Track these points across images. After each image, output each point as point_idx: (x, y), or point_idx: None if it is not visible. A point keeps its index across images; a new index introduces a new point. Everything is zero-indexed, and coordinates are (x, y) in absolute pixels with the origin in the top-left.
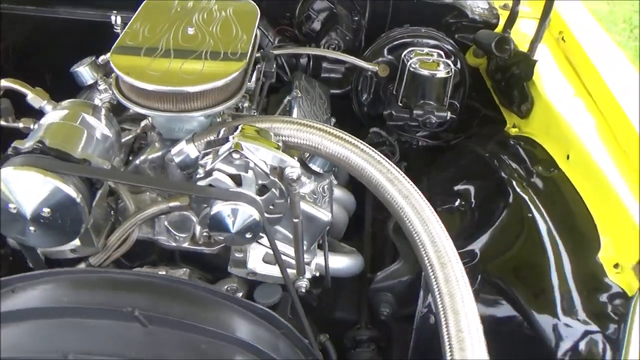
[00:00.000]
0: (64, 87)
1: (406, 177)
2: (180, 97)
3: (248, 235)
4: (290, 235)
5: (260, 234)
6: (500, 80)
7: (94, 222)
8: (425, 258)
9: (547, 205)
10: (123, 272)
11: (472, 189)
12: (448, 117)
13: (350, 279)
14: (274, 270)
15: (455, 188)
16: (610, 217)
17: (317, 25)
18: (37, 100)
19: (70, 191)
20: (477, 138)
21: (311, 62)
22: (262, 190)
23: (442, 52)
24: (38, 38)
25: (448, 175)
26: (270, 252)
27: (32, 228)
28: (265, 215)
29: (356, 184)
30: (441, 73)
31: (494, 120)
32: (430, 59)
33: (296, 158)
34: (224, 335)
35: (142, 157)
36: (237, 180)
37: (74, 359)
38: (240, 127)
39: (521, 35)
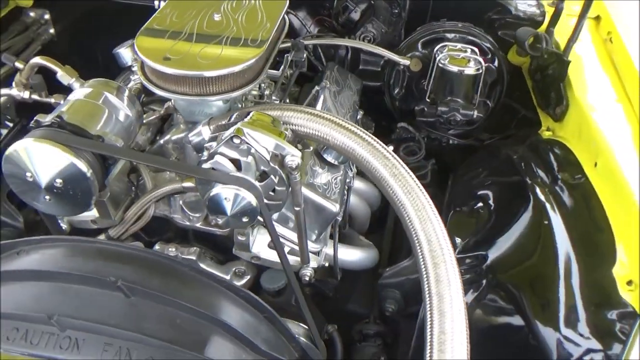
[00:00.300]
0: (115, 67)
1: (411, 173)
2: (196, 81)
3: (245, 219)
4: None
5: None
6: (539, 80)
7: (113, 196)
8: (420, 256)
9: (566, 214)
10: (118, 245)
11: (494, 191)
12: (475, 116)
13: (367, 272)
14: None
15: (478, 190)
16: (630, 231)
17: (354, 16)
18: (66, 78)
19: (82, 165)
20: (512, 140)
21: (349, 54)
22: (263, 176)
23: (476, 49)
24: (91, 21)
25: (473, 175)
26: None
27: (47, 197)
28: (265, 201)
29: None
30: (470, 70)
31: (532, 122)
32: (460, 55)
33: (312, 148)
34: (202, 314)
35: (166, 138)
36: (239, 165)
37: (57, 320)
38: (251, 114)
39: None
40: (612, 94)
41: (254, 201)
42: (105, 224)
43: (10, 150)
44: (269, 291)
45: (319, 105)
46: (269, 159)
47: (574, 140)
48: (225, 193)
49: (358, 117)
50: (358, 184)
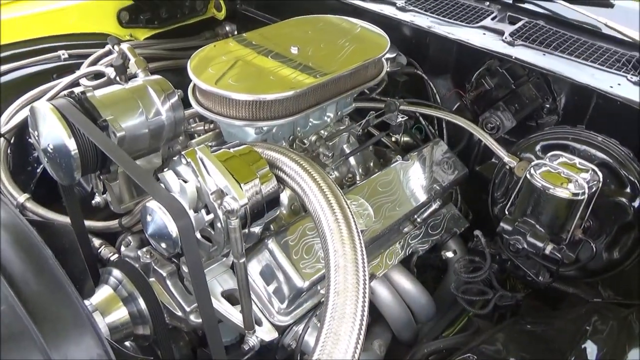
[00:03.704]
0: None
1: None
2: (221, 100)
3: (163, 245)
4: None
5: None
6: None
7: (123, 184)
8: None
9: None
10: None
11: None
12: (547, 251)
13: None
14: (227, 310)
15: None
16: None
17: (486, 96)
18: (134, 67)
19: (67, 141)
20: (629, 312)
21: None
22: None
23: (599, 173)
24: None
25: (518, 333)
26: (235, 289)
27: (44, 157)
28: (198, 237)
29: None
30: (561, 192)
31: None
32: (561, 171)
33: None
34: None
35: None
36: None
37: None
38: (243, 147)
39: None
40: None
41: (173, 229)
42: (117, 209)
43: (33, 105)
44: None
45: (374, 176)
46: (210, 191)
47: None
48: (151, 208)
49: (434, 206)
50: (403, 281)
